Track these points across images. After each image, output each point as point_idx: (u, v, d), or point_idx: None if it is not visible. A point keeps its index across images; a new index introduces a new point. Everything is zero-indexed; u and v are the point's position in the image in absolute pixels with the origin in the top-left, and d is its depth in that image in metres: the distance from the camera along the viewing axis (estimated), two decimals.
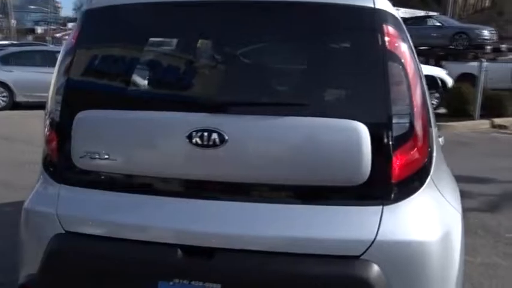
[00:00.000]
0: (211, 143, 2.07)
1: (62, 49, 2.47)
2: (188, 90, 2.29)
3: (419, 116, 2.10)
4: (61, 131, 2.33)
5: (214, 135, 2.07)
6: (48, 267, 2.23)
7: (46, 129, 2.41)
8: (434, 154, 2.21)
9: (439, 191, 2.22)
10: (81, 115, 2.26)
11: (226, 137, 2.06)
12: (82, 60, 2.36)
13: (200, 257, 2.07)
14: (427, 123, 2.15)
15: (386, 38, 2.10)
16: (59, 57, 2.45)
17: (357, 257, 2.00)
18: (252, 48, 2.26)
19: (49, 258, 2.22)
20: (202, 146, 2.08)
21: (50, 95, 2.43)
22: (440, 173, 2.27)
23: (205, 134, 2.07)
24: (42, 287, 2.26)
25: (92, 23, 2.39)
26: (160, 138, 2.19)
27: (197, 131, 2.08)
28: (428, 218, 2.11)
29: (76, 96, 2.34)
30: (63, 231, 2.24)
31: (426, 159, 2.15)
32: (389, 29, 2.12)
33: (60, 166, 2.34)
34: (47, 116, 2.42)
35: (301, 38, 2.19)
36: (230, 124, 2.08)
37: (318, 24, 2.15)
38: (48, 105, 2.42)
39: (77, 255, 2.21)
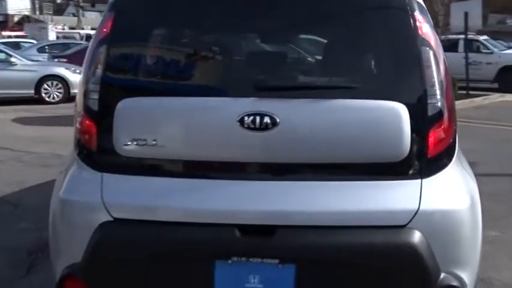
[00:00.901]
0: (263, 126, 2.18)
1: (93, 40, 2.46)
2: (237, 75, 2.39)
3: (448, 97, 2.32)
4: (100, 120, 2.34)
5: (266, 119, 2.18)
6: (97, 255, 2.24)
7: (80, 120, 2.41)
8: (457, 134, 2.44)
9: (462, 166, 2.46)
10: (123, 103, 2.29)
11: (278, 120, 2.18)
12: (119, 49, 2.38)
13: (258, 235, 2.18)
14: (452, 103, 2.37)
15: (418, 24, 2.30)
16: (90, 47, 2.45)
17: (403, 226, 2.19)
18: (299, 35, 2.39)
19: (98, 245, 2.24)
20: (254, 129, 2.19)
21: (81, 85, 2.43)
22: (459, 151, 2.51)
23: (258, 117, 2.18)
24: (90, 275, 2.27)
25: (126, 10, 2.41)
26: (211, 123, 2.26)
27: (249, 115, 2.18)
28: (458, 189, 2.34)
29: (115, 85, 2.37)
30: (111, 219, 2.27)
31: (452, 137, 2.37)
32: (419, 16, 2.32)
33: (101, 155, 2.35)
34: (79, 106, 2.42)
35: (346, 26, 2.35)
36: (281, 107, 2.20)
37: (357, 11, 2.32)
38: (81, 96, 2.41)
39: (130, 240, 2.25)
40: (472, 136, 8.71)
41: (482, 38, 17.89)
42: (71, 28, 42.16)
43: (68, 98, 13.32)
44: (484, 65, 16.83)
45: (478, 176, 5.78)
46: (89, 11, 57.44)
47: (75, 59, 14.97)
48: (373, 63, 2.37)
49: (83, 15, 46.11)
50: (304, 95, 2.24)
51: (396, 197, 2.23)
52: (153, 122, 2.29)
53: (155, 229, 2.24)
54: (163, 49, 2.46)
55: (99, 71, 2.36)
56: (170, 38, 2.48)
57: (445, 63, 2.37)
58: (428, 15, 2.42)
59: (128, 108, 2.29)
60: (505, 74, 16.59)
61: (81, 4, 44.66)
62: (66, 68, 13.53)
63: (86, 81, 2.39)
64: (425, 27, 2.33)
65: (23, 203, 5.31)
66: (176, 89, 2.37)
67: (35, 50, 17.98)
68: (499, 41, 21.08)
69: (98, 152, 2.36)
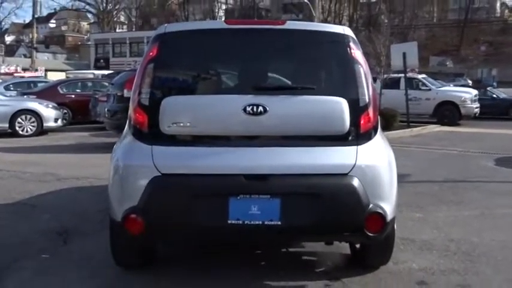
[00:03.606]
0: (258, 112, 3.55)
1: (142, 60, 3.79)
2: (241, 81, 3.79)
3: (372, 95, 3.76)
4: (150, 110, 3.64)
5: (260, 108, 3.55)
6: (151, 198, 3.50)
7: (134, 111, 3.71)
8: (379, 118, 3.88)
9: (383, 139, 3.90)
10: (166, 100, 3.61)
11: (268, 109, 3.55)
12: (162, 65, 3.71)
13: (256, 180, 3.51)
14: (376, 99, 3.81)
15: (352, 51, 3.75)
16: (141, 65, 3.78)
17: (346, 174, 3.57)
18: (278, 59, 3.83)
19: (152, 191, 3.50)
20: (252, 114, 3.55)
21: (135, 89, 3.74)
22: (381, 130, 3.94)
23: (255, 107, 3.55)
24: (145, 212, 3.51)
25: (166, 41, 3.76)
26: (225, 111, 3.61)
27: (249, 105, 3.55)
28: (381, 153, 3.76)
29: (160, 88, 3.68)
30: (160, 174, 3.55)
31: (376, 120, 3.80)
32: (352, 45, 3.78)
33: (150, 133, 3.64)
34: (134, 103, 3.72)
35: (308, 53, 3.79)
36: (269, 101, 3.57)
37: (315, 43, 3.77)
38: (135, 96, 3.72)
39: (173, 187, 3.53)
40: (408, 156, 10.42)
41: (421, 76, 19.97)
42: (24, 69, 42.68)
43: (41, 131, 14.37)
44: (423, 100, 18.82)
45: (409, 182, 7.40)
46: (42, 52, 58.27)
47: (43, 96, 16.11)
48: (326, 74, 3.82)
49: (36, 57, 46.88)
50: (284, 93, 3.65)
51: (341, 156, 3.61)
52: (187, 112, 3.62)
53: (190, 179, 3.53)
54: (194, 65, 3.80)
55: (149, 79, 3.68)
56: (200, 60, 3.83)
57: (370, 75, 3.82)
58: (359, 45, 3.87)
59: (170, 103, 3.61)
60: (442, 109, 18.66)
61: (35, 45, 45.39)
62: (39, 103, 14.53)
63: (140, 86, 3.70)
64: (357, 53, 3.78)
65: (39, 204, 6.44)
66: (202, 90, 3.74)
67: (2, 88, 18.90)
68: (439, 81, 23.34)
69: (149, 132, 3.65)
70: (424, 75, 20.64)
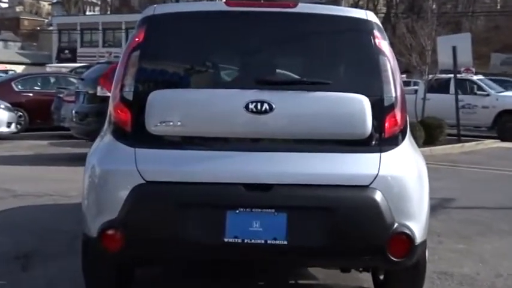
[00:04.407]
0: (263, 110, 3.89)
1: (127, 47, 4.16)
2: (242, 73, 4.15)
3: (400, 93, 4.10)
4: (134, 107, 3.99)
5: (266, 105, 3.89)
6: (134, 209, 3.82)
7: (115, 108, 4.06)
8: (408, 120, 4.22)
9: (412, 146, 4.24)
10: (154, 94, 3.96)
11: (274, 106, 3.90)
12: (149, 52, 4.07)
13: (258, 191, 3.85)
14: (403, 98, 4.16)
15: (377, 40, 4.11)
16: (124, 52, 4.15)
17: (366, 186, 3.90)
18: (288, 48, 4.19)
19: (135, 201, 3.83)
20: (256, 112, 3.89)
21: (117, 81, 4.10)
22: (410, 135, 4.28)
23: (259, 104, 3.89)
24: (126, 226, 3.82)
25: (155, 25, 4.13)
26: (223, 108, 3.96)
27: (252, 102, 3.89)
28: (409, 161, 4.08)
29: (146, 80, 4.04)
30: (144, 182, 3.88)
31: (404, 123, 4.14)
32: (377, 33, 4.14)
33: (134, 134, 3.98)
34: (115, 98, 4.08)
35: (327, 40, 4.15)
36: (276, 97, 3.92)
37: (332, 30, 4.13)
38: (117, 90, 4.08)
39: (159, 196, 3.86)
40: (455, 177, 10.82)
41: (476, 77, 20.19)
42: None
43: None
44: (479, 108, 19.08)
45: (454, 208, 7.74)
46: None
47: None
48: (344, 67, 4.19)
49: None
50: (294, 88, 4.00)
51: (361, 164, 3.94)
52: (178, 108, 3.97)
53: (180, 188, 3.87)
54: (187, 53, 4.17)
55: (134, 69, 4.03)
56: (194, 47, 4.18)
57: (397, 68, 4.17)
58: (385, 34, 4.23)
59: (158, 98, 3.97)
60: (503, 120, 18.88)
61: None
62: None
63: (122, 78, 4.06)
64: (382, 42, 4.13)
65: None
66: (197, 83, 4.11)
67: None
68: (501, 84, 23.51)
69: (132, 132, 4.00)
70: (481, 77, 20.90)
